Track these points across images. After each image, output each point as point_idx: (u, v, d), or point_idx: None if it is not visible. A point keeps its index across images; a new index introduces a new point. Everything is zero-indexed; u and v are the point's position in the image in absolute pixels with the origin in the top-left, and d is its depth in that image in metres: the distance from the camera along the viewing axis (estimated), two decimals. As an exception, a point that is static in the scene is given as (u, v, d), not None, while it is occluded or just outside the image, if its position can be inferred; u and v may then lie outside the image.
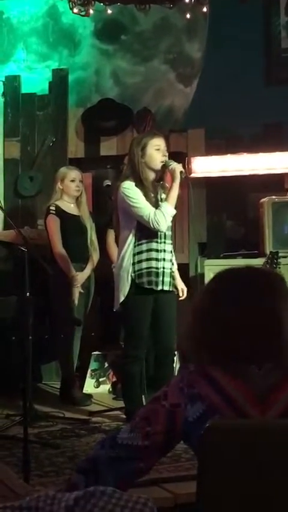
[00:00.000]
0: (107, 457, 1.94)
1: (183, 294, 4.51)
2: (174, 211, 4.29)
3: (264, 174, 5.86)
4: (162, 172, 4.36)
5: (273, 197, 5.62)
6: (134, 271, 4.30)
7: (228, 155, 6.01)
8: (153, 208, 4.23)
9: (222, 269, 2.05)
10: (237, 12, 6.14)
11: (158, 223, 4.22)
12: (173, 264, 4.46)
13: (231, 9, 6.05)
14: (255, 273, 2.01)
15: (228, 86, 6.28)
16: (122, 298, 4.34)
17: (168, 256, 4.37)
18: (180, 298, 4.51)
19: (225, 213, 6.21)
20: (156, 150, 4.30)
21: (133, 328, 4.38)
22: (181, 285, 4.53)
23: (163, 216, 4.22)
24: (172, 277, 4.42)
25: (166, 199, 4.26)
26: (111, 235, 5.52)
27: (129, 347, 4.44)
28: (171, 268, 4.40)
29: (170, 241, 4.42)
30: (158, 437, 1.92)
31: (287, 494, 1.83)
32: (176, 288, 4.48)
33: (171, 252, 4.43)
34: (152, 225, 4.24)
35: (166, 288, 4.35)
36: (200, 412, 1.89)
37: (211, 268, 5.34)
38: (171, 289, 4.40)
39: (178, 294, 4.49)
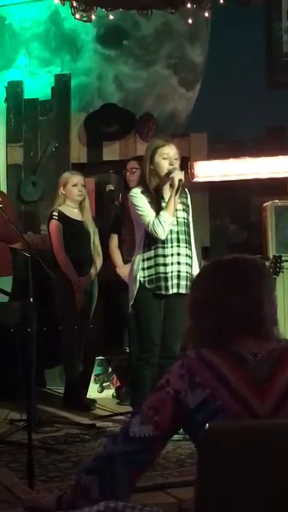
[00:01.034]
0: (122, 452, 1.94)
1: None
2: (172, 219, 4.28)
3: (267, 178, 5.87)
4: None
5: (276, 201, 5.63)
6: (144, 276, 4.31)
7: (231, 159, 6.02)
8: (154, 217, 4.24)
9: (211, 260, 2.10)
10: (239, 17, 6.16)
11: (156, 232, 4.24)
12: (191, 268, 4.43)
13: (233, 13, 6.07)
14: (245, 261, 2.05)
15: (230, 90, 6.29)
16: (131, 302, 4.38)
17: (183, 259, 4.36)
18: None
19: (228, 217, 6.22)
20: (163, 159, 4.30)
21: (143, 332, 4.39)
22: None
23: (161, 225, 4.23)
24: (190, 281, 4.40)
25: (165, 208, 4.26)
26: (114, 239, 5.53)
27: (140, 350, 4.44)
28: (187, 272, 4.38)
29: (185, 245, 4.40)
30: (165, 425, 1.93)
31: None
32: None
33: (187, 255, 4.41)
34: (151, 233, 4.26)
35: (181, 291, 4.33)
36: (201, 400, 1.90)
37: (214, 272, 5.33)
38: (184, 292, 4.38)
39: None
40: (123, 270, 5.31)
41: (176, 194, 4.24)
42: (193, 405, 1.92)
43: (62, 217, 5.38)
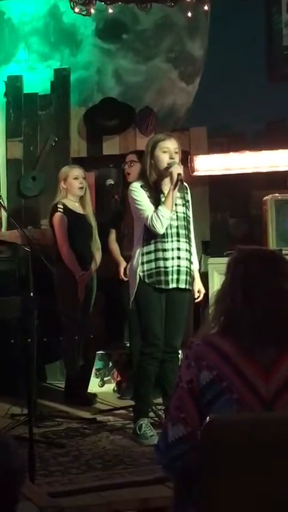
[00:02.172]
0: (170, 459, 2.01)
1: (199, 296, 4.49)
2: (171, 214, 4.26)
3: (268, 172, 5.86)
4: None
5: (277, 195, 5.61)
6: (143, 271, 4.31)
7: (231, 153, 6.01)
8: (153, 211, 4.24)
9: (246, 248, 2.19)
10: (239, 10, 6.14)
11: (154, 227, 4.24)
12: (191, 263, 4.44)
13: (233, 7, 6.05)
14: (279, 257, 2.16)
15: (230, 83, 6.28)
16: (132, 297, 4.38)
17: (183, 254, 4.36)
18: (197, 300, 4.50)
19: (229, 211, 6.21)
20: (163, 153, 4.30)
21: (145, 326, 4.40)
22: (198, 286, 4.50)
23: (159, 219, 4.22)
24: (190, 276, 4.41)
25: (163, 202, 4.25)
26: (112, 234, 5.53)
27: (143, 345, 4.45)
28: (187, 267, 4.38)
29: (185, 240, 4.39)
30: (194, 418, 1.98)
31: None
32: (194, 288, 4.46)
33: (187, 250, 4.40)
34: (150, 228, 4.26)
35: (181, 285, 4.34)
36: (207, 381, 1.98)
37: (215, 266, 5.33)
38: (186, 287, 4.38)
39: (194, 295, 4.48)
40: (122, 268, 5.34)
41: (174, 188, 4.22)
42: (201, 386, 1.99)
43: (66, 210, 5.36)
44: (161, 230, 4.25)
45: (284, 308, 2.04)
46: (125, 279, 5.19)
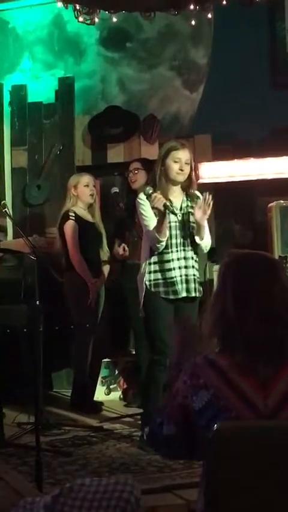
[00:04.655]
0: (163, 443, 2.05)
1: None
2: (163, 240, 4.25)
3: (272, 179, 5.86)
4: (189, 182, 4.38)
5: (281, 201, 5.62)
6: (150, 280, 4.33)
7: (236, 160, 6.01)
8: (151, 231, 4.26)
9: (238, 252, 2.10)
10: (242, 18, 6.16)
11: (152, 246, 4.27)
12: (198, 270, 4.45)
13: (236, 15, 6.06)
14: (271, 261, 2.07)
15: (234, 91, 6.30)
16: (140, 305, 4.40)
17: (190, 262, 4.37)
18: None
19: (234, 218, 6.22)
20: (174, 162, 4.32)
21: (153, 334, 4.40)
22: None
23: (152, 242, 4.25)
24: (198, 283, 4.42)
25: (155, 228, 4.25)
26: (117, 243, 5.51)
27: (152, 352, 4.45)
28: (194, 274, 4.39)
29: (191, 248, 4.40)
30: (183, 427, 1.99)
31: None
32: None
33: (192, 258, 4.40)
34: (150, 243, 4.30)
35: (191, 294, 4.35)
36: (206, 401, 1.94)
37: (220, 273, 5.32)
38: (196, 295, 4.40)
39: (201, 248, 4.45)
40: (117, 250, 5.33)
41: (162, 218, 4.21)
42: (197, 408, 1.96)
43: (77, 218, 5.37)
44: (158, 250, 4.28)
45: (277, 318, 1.95)
46: (121, 252, 5.19)
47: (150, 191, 4.25)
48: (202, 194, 4.41)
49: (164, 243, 4.27)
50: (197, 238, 4.34)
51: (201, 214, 4.28)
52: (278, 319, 1.96)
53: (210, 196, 4.35)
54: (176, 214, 4.31)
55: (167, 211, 4.22)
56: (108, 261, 5.56)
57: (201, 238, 4.35)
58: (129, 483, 1.84)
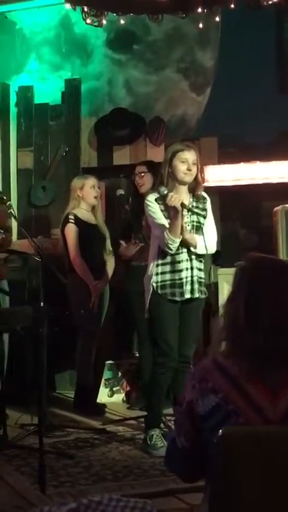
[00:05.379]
0: (178, 458, 2.04)
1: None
2: (177, 240, 4.25)
3: (278, 183, 5.85)
4: (195, 183, 4.38)
5: (287, 205, 5.60)
6: (157, 282, 4.32)
7: (241, 164, 6.01)
8: (163, 232, 4.25)
9: (256, 258, 2.06)
10: (249, 21, 6.15)
11: (164, 247, 4.27)
12: (201, 271, 4.44)
13: (244, 18, 6.05)
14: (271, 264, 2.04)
15: (240, 94, 6.30)
16: (147, 306, 4.40)
17: (196, 264, 4.37)
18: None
19: (239, 221, 6.21)
20: (181, 163, 4.31)
21: (159, 336, 4.39)
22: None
23: (166, 245, 4.24)
24: (202, 285, 4.42)
25: (169, 229, 4.23)
26: (122, 245, 5.50)
27: (157, 355, 4.45)
28: (199, 276, 4.38)
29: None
30: (191, 435, 1.98)
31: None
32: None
33: (198, 259, 4.41)
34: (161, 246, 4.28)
35: (195, 295, 4.35)
36: (213, 405, 1.92)
37: (225, 277, 5.32)
38: (200, 296, 4.39)
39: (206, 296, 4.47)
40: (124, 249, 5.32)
41: (175, 217, 4.21)
42: (204, 412, 1.94)
43: (78, 220, 5.37)
44: (170, 252, 4.27)
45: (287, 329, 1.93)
46: (124, 244, 5.18)
47: (166, 191, 4.24)
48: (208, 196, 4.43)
49: (177, 244, 4.25)
50: (191, 248, 4.33)
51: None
52: (287, 330, 1.93)
53: (203, 204, 4.37)
54: (192, 212, 4.30)
55: (184, 209, 4.21)
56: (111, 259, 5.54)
57: (195, 248, 4.33)
58: (147, 507, 1.82)
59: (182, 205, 4.19)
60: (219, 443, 1.85)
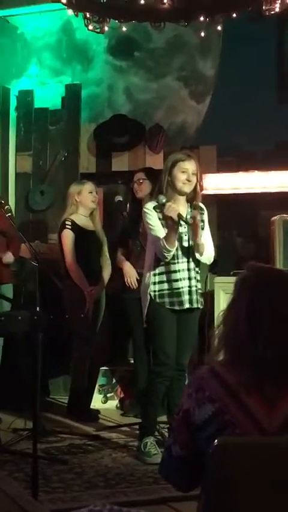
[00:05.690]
0: (173, 468, 2.03)
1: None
2: (173, 249, 4.25)
3: (276, 192, 5.86)
4: (194, 193, 4.38)
5: (285, 215, 5.60)
6: (154, 291, 4.32)
7: (240, 173, 6.02)
8: (161, 239, 4.25)
9: (258, 267, 2.04)
10: (251, 31, 6.16)
11: (160, 255, 4.26)
12: (199, 281, 4.45)
13: (245, 27, 6.07)
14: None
15: (240, 103, 6.30)
16: (144, 315, 4.40)
17: (193, 274, 4.37)
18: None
19: (236, 230, 6.21)
20: (182, 173, 4.32)
21: (156, 345, 4.39)
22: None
23: (162, 253, 4.24)
24: (200, 295, 4.42)
25: (165, 238, 4.24)
26: (119, 251, 5.50)
27: (153, 363, 4.44)
28: (197, 286, 4.39)
29: (193, 259, 4.40)
30: (187, 444, 1.97)
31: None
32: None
33: (194, 269, 4.41)
34: (157, 254, 4.28)
35: (194, 305, 4.36)
36: (209, 414, 1.91)
37: (221, 285, 5.32)
38: (196, 307, 4.39)
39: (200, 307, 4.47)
40: (125, 266, 5.30)
41: (172, 227, 4.21)
42: (200, 421, 1.93)
43: (75, 226, 5.37)
44: (166, 260, 4.27)
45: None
46: (133, 286, 5.17)
47: (164, 200, 4.25)
48: (205, 207, 4.43)
49: (172, 253, 4.26)
50: (196, 255, 4.34)
51: (191, 234, 4.28)
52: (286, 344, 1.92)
53: (200, 215, 4.36)
54: (188, 224, 4.30)
55: (181, 220, 4.22)
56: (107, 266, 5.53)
57: (201, 255, 4.34)
58: None
59: (179, 216, 4.20)
60: (215, 453, 1.85)
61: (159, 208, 4.31)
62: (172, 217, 4.19)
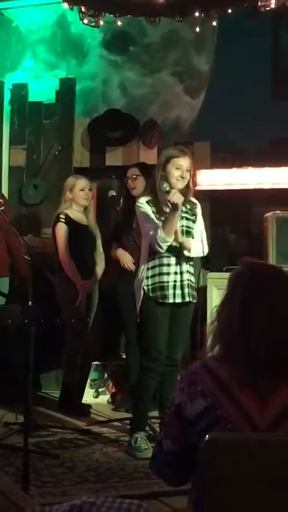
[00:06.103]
0: (163, 462, 2.04)
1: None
2: (170, 238, 4.25)
3: (270, 189, 5.87)
4: (186, 190, 4.38)
5: (278, 212, 5.61)
6: (147, 285, 4.32)
7: (234, 169, 6.02)
8: (155, 231, 4.24)
9: (252, 263, 2.05)
10: (246, 27, 6.15)
11: (155, 247, 4.27)
12: (193, 275, 4.45)
13: (240, 23, 6.06)
14: (286, 278, 2.01)
15: (235, 99, 6.30)
16: (138, 310, 4.39)
17: (185, 267, 4.37)
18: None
19: (229, 226, 6.21)
20: (176, 169, 4.31)
21: (148, 340, 4.39)
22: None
23: (158, 243, 4.23)
24: (192, 288, 4.41)
25: (162, 227, 4.23)
26: (113, 246, 5.49)
27: (145, 359, 4.43)
28: (189, 279, 4.39)
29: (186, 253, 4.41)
30: (179, 438, 1.97)
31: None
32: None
33: (188, 263, 4.41)
34: (152, 246, 4.27)
35: (185, 299, 4.35)
36: (201, 409, 1.91)
37: (214, 281, 5.33)
38: (189, 301, 4.39)
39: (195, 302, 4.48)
40: (119, 252, 5.29)
41: (173, 215, 4.21)
42: (192, 415, 1.93)
43: (69, 221, 5.37)
44: (161, 250, 4.27)
45: (281, 337, 1.92)
46: (130, 269, 5.16)
47: (168, 188, 4.24)
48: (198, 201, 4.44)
49: (169, 243, 4.25)
50: (185, 252, 4.33)
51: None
52: (283, 339, 1.92)
53: (193, 209, 4.38)
54: (184, 218, 4.31)
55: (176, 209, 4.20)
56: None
57: (188, 251, 4.34)
58: (141, 510, 1.82)
59: (182, 203, 4.20)
60: (206, 448, 1.85)
61: (153, 202, 4.30)
62: (177, 203, 4.17)
